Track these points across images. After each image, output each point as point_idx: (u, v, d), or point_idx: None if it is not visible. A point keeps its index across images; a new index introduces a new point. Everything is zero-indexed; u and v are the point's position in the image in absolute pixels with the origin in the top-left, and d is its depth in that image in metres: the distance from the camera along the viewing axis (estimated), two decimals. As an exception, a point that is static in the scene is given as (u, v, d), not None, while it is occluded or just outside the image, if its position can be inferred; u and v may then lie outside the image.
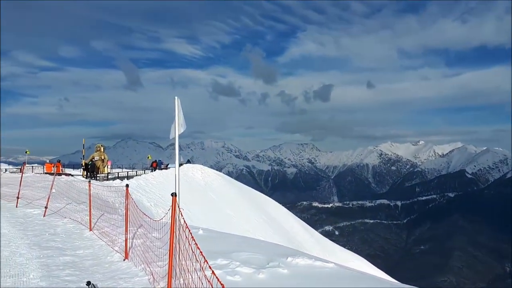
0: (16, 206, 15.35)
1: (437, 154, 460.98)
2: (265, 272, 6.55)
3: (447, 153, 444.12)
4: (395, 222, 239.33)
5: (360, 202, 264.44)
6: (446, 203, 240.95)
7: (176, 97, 6.71)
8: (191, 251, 5.94)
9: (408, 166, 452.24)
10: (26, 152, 30.56)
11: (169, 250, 5.02)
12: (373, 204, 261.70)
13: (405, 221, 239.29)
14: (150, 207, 26.25)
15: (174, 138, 6.82)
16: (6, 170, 33.57)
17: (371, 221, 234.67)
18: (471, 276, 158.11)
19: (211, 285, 3.63)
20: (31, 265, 7.54)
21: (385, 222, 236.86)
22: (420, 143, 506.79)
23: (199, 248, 4.32)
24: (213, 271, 3.70)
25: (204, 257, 4.07)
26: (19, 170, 36.26)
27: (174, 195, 5.13)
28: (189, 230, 4.74)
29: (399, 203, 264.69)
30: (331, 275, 6.83)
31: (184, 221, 4.87)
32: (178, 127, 6.72)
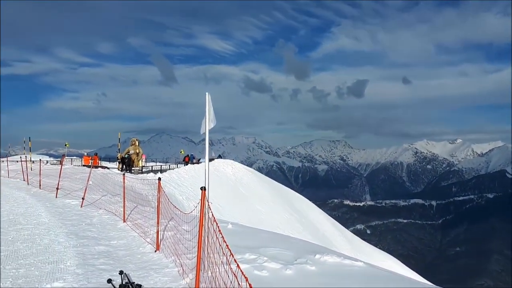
0: (56, 197, 16.06)
1: (475, 153, 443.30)
2: (292, 268, 6.55)
3: (486, 152, 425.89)
4: (429, 222, 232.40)
5: (393, 201, 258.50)
6: (485, 204, 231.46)
7: (206, 93, 6.79)
8: (219, 245, 6.03)
9: (444, 165, 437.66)
10: (65, 145, 31.92)
11: (198, 243, 5.12)
12: (407, 204, 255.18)
13: (440, 221, 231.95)
14: (182, 200, 26.77)
15: (205, 133, 6.91)
16: (47, 162, 35.16)
17: (405, 220, 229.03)
18: (509, 280, 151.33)
19: (237, 279, 3.68)
20: (68, 253, 7.89)
21: (419, 222, 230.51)
22: (458, 141, 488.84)
23: (225, 242, 4.38)
24: (238, 265, 3.75)
25: (230, 251, 4.13)
26: (59, 162, 37.90)
27: (203, 189, 5.21)
28: (217, 224, 4.81)
29: (434, 203, 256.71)
30: (360, 274, 6.74)
31: (213, 215, 4.94)
32: (209, 123, 6.81)
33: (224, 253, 5.20)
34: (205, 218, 5.29)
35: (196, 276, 5.04)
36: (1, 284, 5.36)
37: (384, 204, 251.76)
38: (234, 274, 3.75)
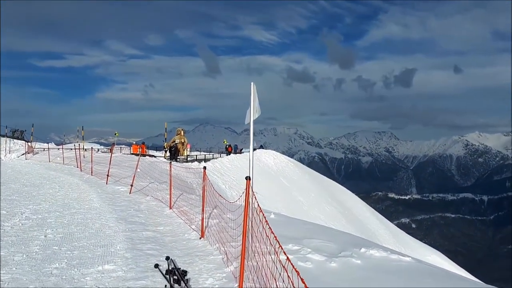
0: (106, 183, 16.80)
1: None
2: (337, 261, 6.44)
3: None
4: (480, 218, 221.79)
5: (441, 195, 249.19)
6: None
7: (252, 83, 6.77)
8: (264, 235, 6.04)
9: (497, 159, 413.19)
10: (115, 134, 33.33)
11: (243, 232, 5.14)
12: (455, 198, 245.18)
13: (491, 217, 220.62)
14: (225, 189, 27.15)
15: (249, 124, 6.91)
16: (98, 150, 36.90)
17: (453, 215, 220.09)
18: None
19: (286, 270, 3.65)
20: (118, 237, 8.22)
21: (468, 217, 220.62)
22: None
23: (272, 232, 4.36)
24: (288, 257, 3.72)
25: (278, 242, 4.11)
26: (109, 150, 39.63)
27: (248, 178, 5.21)
28: (263, 214, 4.80)
29: (485, 197, 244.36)
30: (407, 269, 6.51)
31: (258, 204, 4.93)
32: (254, 113, 6.79)
33: (268, 243, 5.20)
34: (250, 207, 5.30)
35: (240, 265, 5.07)
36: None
37: (431, 198, 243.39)
38: (283, 265, 3.72)
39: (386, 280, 5.79)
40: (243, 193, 5.50)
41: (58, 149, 36.31)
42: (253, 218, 5.60)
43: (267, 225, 4.49)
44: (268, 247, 6.42)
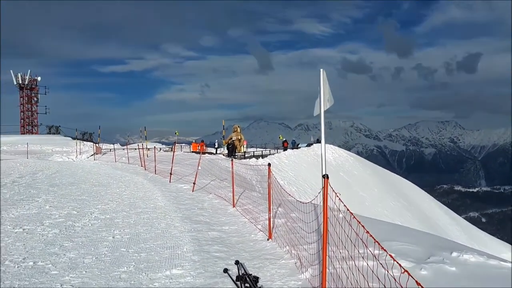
0: (170, 182, 16.96)
1: None
2: (427, 268, 5.63)
3: None
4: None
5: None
6: None
7: (321, 69, 6.13)
8: (343, 238, 5.41)
9: None
10: (175, 133, 34.02)
11: (323, 235, 4.56)
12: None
13: None
14: (284, 185, 26.64)
15: (320, 115, 6.28)
16: (160, 149, 38.04)
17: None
18: None
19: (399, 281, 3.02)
20: (184, 238, 7.97)
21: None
22: None
23: (372, 237, 3.75)
24: (407, 271, 3.08)
25: (385, 249, 3.47)
26: (170, 149, 40.71)
27: (326, 177, 4.61)
28: (355, 218, 4.20)
29: None
30: (513, 278, 5.55)
31: (345, 205, 4.33)
32: (324, 102, 6.15)
33: (344, 247, 4.57)
34: (327, 208, 4.71)
35: (322, 273, 4.50)
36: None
37: (502, 190, 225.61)
38: (397, 274, 3.09)
39: (493, 293, 4.93)
40: (319, 192, 4.91)
41: (123, 149, 37.88)
42: (333, 219, 5.01)
43: (364, 230, 3.89)
44: (347, 251, 5.79)
